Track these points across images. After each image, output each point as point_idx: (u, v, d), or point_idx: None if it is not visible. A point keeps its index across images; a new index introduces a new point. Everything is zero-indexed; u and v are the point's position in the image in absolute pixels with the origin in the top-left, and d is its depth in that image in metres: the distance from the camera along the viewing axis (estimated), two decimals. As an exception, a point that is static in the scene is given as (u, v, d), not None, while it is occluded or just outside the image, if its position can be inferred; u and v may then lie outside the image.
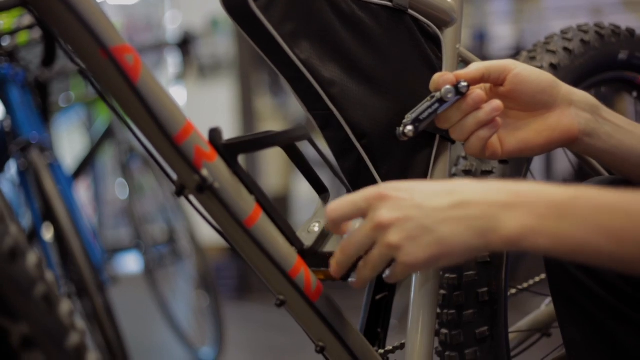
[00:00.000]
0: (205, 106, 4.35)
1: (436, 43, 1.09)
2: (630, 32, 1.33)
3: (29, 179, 2.00)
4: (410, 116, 0.96)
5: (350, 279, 0.86)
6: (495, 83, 0.96)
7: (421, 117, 0.96)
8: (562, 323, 1.08)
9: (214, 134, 0.84)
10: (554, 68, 1.22)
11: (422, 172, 1.07)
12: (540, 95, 0.93)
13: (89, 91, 3.36)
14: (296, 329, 0.94)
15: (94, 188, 5.28)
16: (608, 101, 1.41)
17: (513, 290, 1.26)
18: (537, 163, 3.84)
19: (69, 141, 4.61)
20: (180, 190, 0.83)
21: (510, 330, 1.18)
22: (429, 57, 1.08)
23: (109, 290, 1.99)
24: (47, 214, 1.96)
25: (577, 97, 0.94)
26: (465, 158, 1.17)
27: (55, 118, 3.03)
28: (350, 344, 0.93)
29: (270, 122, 4.48)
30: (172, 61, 4.58)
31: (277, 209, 0.88)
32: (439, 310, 1.11)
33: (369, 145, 1.03)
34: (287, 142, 0.91)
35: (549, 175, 3.87)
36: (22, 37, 2.14)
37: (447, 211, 0.75)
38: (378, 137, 1.03)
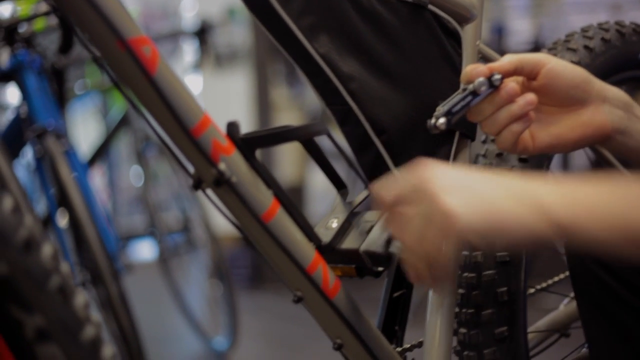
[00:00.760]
0: (221, 96, 4.34)
1: (456, 39, 1.08)
2: (652, 30, 1.31)
3: (44, 166, 1.99)
4: (441, 109, 0.92)
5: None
6: (529, 77, 0.93)
7: (453, 110, 0.91)
8: (585, 323, 1.07)
9: (232, 127, 0.83)
10: (574, 66, 1.21)
11: None
12: (574, 91, 0.90)
13: (105, 79, 3.35)
14: (310, 319, 0.93)
15: (109, 175, 5.30)
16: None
17: (531, 290, 1.24)
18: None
19: (84, 128, 4.61)
20: (197, 184, 0.82)
21: (528, 330, 1.16)
22: (449, 53, 1.07)
23: (123, 278, 1.99)
24: (63, 200, 1.96)
25: (611, 94, 0.92)
26: (484, 156, 1.16)
27: (71, 105, 3.03)
28: (368, 341, 0.92)
29: (286, 113, 4.46)
30: (188, 50, 4.57)
31: (295, 204, 0.87)
32: (457, 310, 1.10)
33: (388, 141, 1.02)
34: (306, 136, 0.90)
35: (566, 170, 3.84)
36: (39, 24, 2.14)
37: (483, 185, 0.76)
38: (397, 133, 1.02)
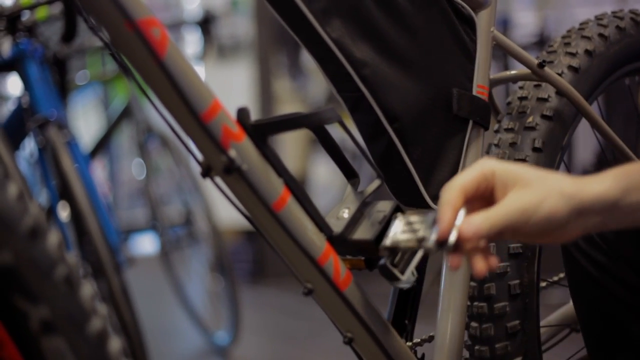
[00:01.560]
0: (224, 87, 4.32)
1: (470, 25, 1.06)
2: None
3: (46, 157, 1.97)
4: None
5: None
6: None
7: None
8: (583, 324, 1.08)
9: (242, 113, 0.81)
10: (589, 54, 1.19)
11: (454, 158, 1.04)
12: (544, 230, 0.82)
13: (106, 69, 3.33)
14: (312, 314, 0.91)
15: (110, 168, 5.28)
16: (634, 92, 1.38)
17: (543, 284, 1.22)
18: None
19: (85, 120, 4.60)
20: (207, 172, 0.80)
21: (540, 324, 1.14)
22: (463, 39, 1.05)
23: (125, 271, 1.97)
24: (64, 192, 1.94)
25: (588, 204, 0.80)
26: (497, 146, 1.14)
27: (72, 96, 3.01)
28: (380, 335, 0.90)
29: (289, 105, 4.44)
30: (191, 41, 4.55)
31: (306, 193, 0.85)
32: (468, 303, 1.08)
33: (400, 129, 1.00)
34: (317, 123, 0.88)
35: (570, 164, 3.83)
36: (42, 13, 2.11)
37: None
38: (410, 120, 1.00)
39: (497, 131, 1.15)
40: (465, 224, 0.76)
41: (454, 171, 1.04)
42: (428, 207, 1.03)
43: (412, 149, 1.01)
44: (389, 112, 0.99)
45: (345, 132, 0.90)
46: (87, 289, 0.61)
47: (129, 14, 0.72)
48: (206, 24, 3.09)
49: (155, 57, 0.73)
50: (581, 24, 1.25)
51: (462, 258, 0.78)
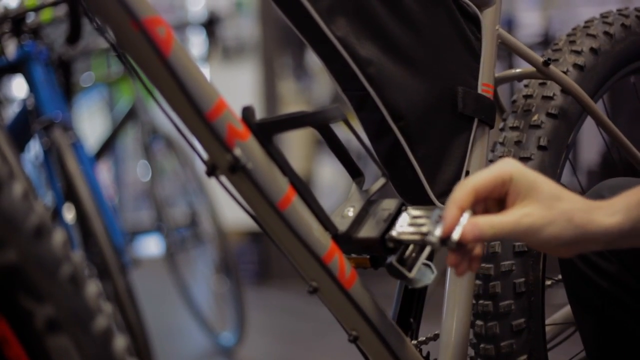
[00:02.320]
0: (228, 88, 4.31)
1: (475, 23, 1.06)
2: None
3: (51, 159, 1.98)
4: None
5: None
6: None
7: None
8: (580, 326, 1.08)
9: (247, 112, 0.81)
10: (594, 52, 1.19)
11: (459, 156, 1.04)
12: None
13: (111, 71, 3.34)
14: (318, 315, 0.91)
15: (115, 169, 5.29)
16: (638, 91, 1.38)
17: (549, 282, 1.22)
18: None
19: (90, 122, 4.60)
20: (212, 170, 0.79)
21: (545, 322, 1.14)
22: (468, 37, 1.05)
23: (130, 272, 1.97)
24: (70, 194, 1.94)
25: (594, 240, 0.80)
26: (502, 144, 1.14)
27: (77, 98, 3.02)
28: (385, 334, 0.90)
29: (294, 106, 4.44)
30: (195, 42, 4.55)
31: (311, 192, 0.85)
32: (474, 301, 1.08)
33: (405, 128, 1.00)
34: (322, 122, 0.88)
35: (576, 162, 3.83)
36: (46, 15, 2.12)
37: None
38: (415, 119, 1.00)
39: (502, 129, 1.15)
40: (469, 225, 0.77)
41: (459, 169, 1.04)
42: (433, 205, 1.02)
43: (418, 147, 1.01)
44: (394, 111, 0.99)
45: (350, 131, 0.90)
46: (92, 287, 0.61)
47: (134, 13, 0.71)
48: (211, 25, 3.09)
49: (161, 56, 0.73)
50: (586, 22, 1.25)
51: (462, 257, 0.79)
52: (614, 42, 1.21)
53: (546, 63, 1.11)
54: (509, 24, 4.00)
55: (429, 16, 1.01)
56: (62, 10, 2.09)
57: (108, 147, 3.27)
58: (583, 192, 1.24)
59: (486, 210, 0.81)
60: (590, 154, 3.66)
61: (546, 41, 3.87)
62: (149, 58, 0.73)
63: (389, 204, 0.89)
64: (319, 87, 4.64)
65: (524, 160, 1.10)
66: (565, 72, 1.14)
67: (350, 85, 1.00)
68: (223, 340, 3.10)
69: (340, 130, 0.92)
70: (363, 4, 0.97)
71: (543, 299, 1.10)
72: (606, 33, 1.21)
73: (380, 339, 0.90)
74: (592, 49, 1.19)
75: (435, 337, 1.06)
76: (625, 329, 1.01)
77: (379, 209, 0.89)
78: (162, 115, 0.83)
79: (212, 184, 0.83)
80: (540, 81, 1.16)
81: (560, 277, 1.28)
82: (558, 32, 3.98)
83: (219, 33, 3.23)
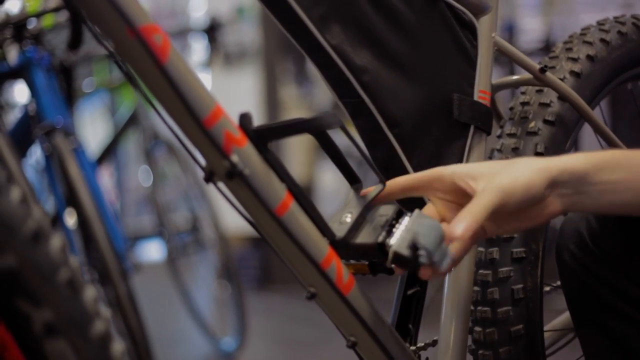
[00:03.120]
0: (230, 94, 4.33)
1: (471, 31, 1.07)
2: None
3: (53, 164, 1.98)
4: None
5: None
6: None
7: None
8: (580, 336, 1.08)
9: (245, 119, 0.81)
10: (590, 60, 1.19)
11: (455, 163, 1.04)
12: (530, 205, 0.85)
13: (113, 77, 3.35)
14: (319, 321, 0.91)
15: (116, 175, 5.29)
16: (637, 97, 1.38)
17: (547, 288, 1.22)
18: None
19: (92, 127, 4.61)
20: (209, 177, 0.80)
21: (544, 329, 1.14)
22: (464, 45, 1.05)
23: (131, 277, 1.98)
24: (71, 199, 1.94)
25: (563, 178, 0.85)
26: (500, 151, 1.14)
27: (79, 103, 3.03)
28: (383, 339, 0.90)
29: (295, 112, 4.45)
30: (197, 48, 4.56)
31: (309, 198, 0.85)
32: (472, 308, 1.08)
33: (401, 135, 1.00)
34: (319, 129, 0.88)
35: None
36: (48, 20, 2.12)
37: None
38: (410, 126, 1.01)
39: (499, 136, 1.15)
40: (452, 226, 0.80)
41: None
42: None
43: (413, 154, 1.01)
44: (389, 118, 0.99)
45: (347, 137, 0.91)
46: (90, 292, 0.61)
47: (130, 20, 0.72)
48: (212, 31, 3.10)
49: (157, 63, 0.74)
50: (583, 29, 1.26)
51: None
52: (611, 49, 1.21)
53: (543, 70, 1.12)
54: (510, 30, 4.01)
55: (424, 24, 1.01)
56: (63, 16, 2.09)
57: (110, 152, 3.27)
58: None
59: None
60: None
61: (547, 47, 3.88)
62: (146, 65, 0.74)
63: (386, 210, 0.90)
64: (320, 92, 4.65)
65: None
66: (562, 80, 1.14)
67: (346, 92, 1.00)
68: (224, 345, 3.10)
69: (341, 136, 0.92)
70: (357, 12, 0.97)
71: (541, 305, 1.10)
72: (603, 40, 1.21)
73: (379, 345, 0.90)
74: (588, 56, 1.19)
75: (434, 343, 1.06)
76: (625, 338, 1.01)
77: (377, 215, 0.89)
78: (160, 121, 0.83)
79: (213, 189, 0.83)
80: (537, 88, 1.16)
81: (558, 283, 1.29)
82: (559, 38, 3.98)
83: (220, 39, 3.24)
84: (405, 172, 1.02)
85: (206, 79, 4.74)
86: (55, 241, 0.60)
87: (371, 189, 0.92)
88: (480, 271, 1.08)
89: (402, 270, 0.85)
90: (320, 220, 0.86)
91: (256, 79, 4.44)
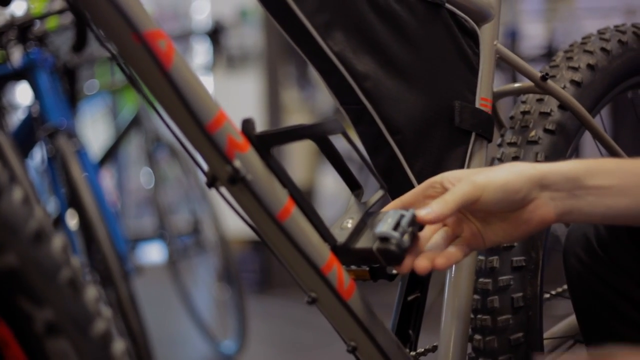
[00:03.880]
0: (232, 97, 4.34)
1: (473, 39, 1.07)
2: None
3: (55, 166, 1.99)
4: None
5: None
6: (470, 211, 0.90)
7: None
8: (587, 338, 1.08)
9: (247, 124, 0.82)
10: (591, 69, 1.19)
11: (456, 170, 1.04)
12: (512, 205, 0.86)
13: (115, 79, 3.35)
14: (319, 324, 0.92)
15: (118, 176, 5.30)
16: (637, 105, 1.38)
17: (547, 296, 1.23)
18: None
19: (93, 129, 4.62)
20: (212, 182, 0.80)
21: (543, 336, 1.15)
22: (466, 52, 1.06)
23: (133, 280, 1.98)
24: (73, 200, 1.95)
25: (552, 179, 0.86)
26: (500, 160, 1.14)
27: (81, 105, 3.04)
28: (383, 344, 0.90)
29: (297, 115, 4.45)
30: (199, 51, 4.57)
31: (310, 204, 0.86)
32: (472, 315, 1.08)
33: (402, 141, 1.01)
34: (320, 134, 0.89)
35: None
36: (52, 22, 2.13)
37: None
38: (412, 133, 1.01)
39: (500, 145, 1.16)
40: (423, 211, 0.82)
41: None
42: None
43: (414, 160, 1.01)
44: (390, 125, 0.99)
45: (349, 144, 0.91)
46: (92, 291, 0.62)
47: (135, 26, 0.73)
48: (215, 34, 3.11)
49: (161, 69, 0.74)
50: (583, 38, 1.26)
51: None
52: (611, 59, 1.21)
53: (544, 78, 1.12)
54: (513, 36, 4.01)
55: (426, 31, 1.01)
56: (67, 18, 2.10)
57: (111, 154, 3.28)
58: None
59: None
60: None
61: (550, 53, 3.89)
62: (150, 70, 0.74)
63: (386, 215, 0.90)
64: (322, 96, 4.65)
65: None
66: (562, 89, 1.15)
67: (348, 99, 1.00)
68: (224, 348, 3.10)
69: (342, 142, 0.93)
70: (360, 19, 0.97)
71: (541, 313, 1.10)
72: (603, 49, 1.22)
73: (379, 350, 0.91)
74: (589, 65, 1.20)
75: (434, 348, 1.06)
76: (633, 344, 1.00)
77: (377, 220, 0.90)
78: (163, 125, 0.84)
79: (215, 193, 0.84)
80: (538, 97, 1.17)
81: (558, 290, 1.29)
82: (561, 44, 3.99)
83: (223, 42, 3.25)
84: (407, 178, 1.02)
85: (208, 82, 4.75)
86: (57, 241, 0.61)
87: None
88: (481, 279, 1.08)
89: (401, 270, 0.84)
90: (321, 225, 0.86)
91: (258, 82, 4.45)
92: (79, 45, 1.98)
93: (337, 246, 0.87)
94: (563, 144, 1.13)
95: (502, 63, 1.13)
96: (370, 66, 0.98)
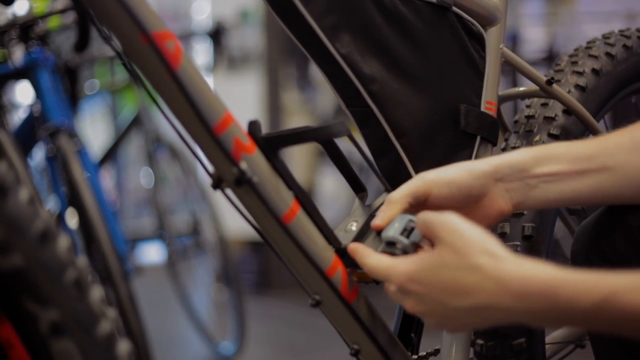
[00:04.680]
0: (233, 98, 4.33)
1: (480, 42, 1.07)
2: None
3: (56, 165, 1.99)
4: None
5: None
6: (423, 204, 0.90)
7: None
8: (594, 342, 1.06)
9: (254, 126, 0.82)
10: (596, 73, 1.19)
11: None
12: (466, 200, 0.87)
13: (115, 79, 3.35)
14: (318, 326, 0.92)
15: (117, 176, 5.29)
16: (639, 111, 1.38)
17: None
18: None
19: (93, 128, 4.61)
20: (218, 183, 0.80)
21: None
22: (472, 56, 1.06)
23: (132, 279, 1.98)
24: (73, 200, 1.95)
25: (503, 171, 0.87)
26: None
27: (81, 105, 3.04)
28: (386, 348, 0.91)
29: (297, 117, 4.45)
30: (200, 51, 4.57)
31: (315, 206, 0.86)
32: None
33: (407, 144, 1.01)
34: (327, 137, 0.89)
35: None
36: (54, 22, 2.13)
37: (465, 316, 0.76)
38: (417, 136, 1.01)
39: (504, 149, 1.16)
40: (376, 219, 0.85)
41: None
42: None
43: (419, 164, 1.01)
44: (396, 127, 0.99)
45: (354, 146, 0.91)
46: (96, 292, 0.62)
47: (144, 26, 0.72)
48: (216, 35, 3.11)
49: (169, 70, 0.74)
50: (588, 42, 1.26)
51: None
52: (616, 63, 1.21)
53: (549, 82, 1.12)
54: (514, 40, 4.01)
55: (433, 34, 1.01)
56: (69, 17, 2.10)
57: (112, 154, 3.28)
58: (584, 212, 1.25)
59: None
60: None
61: (550, 57, 3.89)
62: (157, 71, 0.74)
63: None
64: (323, 98, 4.66)
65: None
66: (567, 93, 1.15)
67: (354, 101, 1.00)
68: (223, 349, 3.10)
69: (343, 143, 0.93)
70: (367, 22, 0.97)
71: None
72: (608, 54, 1.22)
73: (382, 353, 0.91)
74: (594, 70, 1.20)
75: (436, 352, 1.06)
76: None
77: (382, 224, 0.89)
78: (167, 125, 0.84)
79: (215, 193, 0.83)
80: (543, 102, 1.17)
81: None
82: (562, 48, 3.99)
83: (224, 43, 3.24)
84: None
85: (209, 82, 4.75)
86: (62, 242, 0.61)
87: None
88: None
89: None
90: (326, 228, 0.86)
91: (259, 83, 4.45)
92: (82, 44, 1.98)
93: (341, 249, 0.87)
94: (567, 149, 1.13)
95: (504, 67, 1.13)
96: (377, 69, 0.98)
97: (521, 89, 1.19)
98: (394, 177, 1.03)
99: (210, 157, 0.79)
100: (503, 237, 1.08)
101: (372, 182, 2.91)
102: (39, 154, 2.19)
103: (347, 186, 0.96)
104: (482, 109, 1.05)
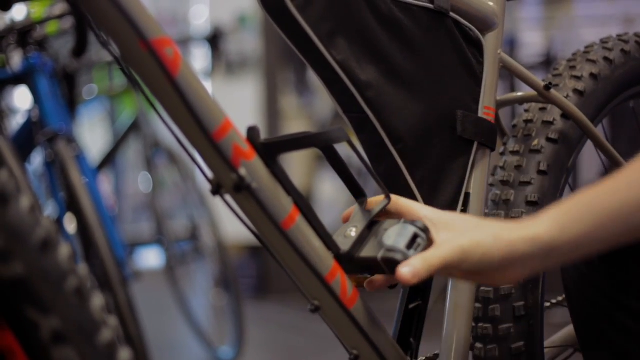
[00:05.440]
0: (231, 103, 4.33)
1: (477, 48, 1.07)
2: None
3: (54, 170, 1.99)
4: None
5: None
6: None
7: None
8: (584, 349, 1.08)
9: (253, 132, 0.82)
10: (594, 78, 1.20)
11: (458, 180, 1.04)
12: (485, 269, 0.85)
13: (113, 84, 3.35)
14: (316, 331, 0.92)
15: (116, 181, 5.29)
16: (639, 115, 1.39)
17: (548, 304, 1.23)
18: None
19: (91, 133, 4.61)
20: (217, 189, 0.80)
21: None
22: (470, 61, 1.06)
23: (131, 285, 1.98)
24: (72, 205, 1.95)
25: (526, 252, 0.83)
26: (503, 168, 1.14)
27: (79, 110, 3.04)
28: (385, 353, 0.91)
29: (295, 121, 4.46)
30: (198, 56, 4.57)
31: (314, 212, 0.86)
32: (473, 324, 1.08)
33: (404, 150, 1.01)
34: (326, 143, 0.89)
35: (575, 186, 3.83)
36: (52, 27, 2.13)
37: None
38: (414, 142, 1.01)
39: (502, 154, 1.16)
40: (404, 266, 0.81)
41: (457, 192, 1.04)
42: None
43: (416, 170, 1.01)
44: (392, 134, 0.99)
45: (353, 152, 0.91)
46: (97, 300, 0.62)
47: (143, 33, 0.73)
48: (214, 40, 3.11)
49: (168, 76, 0.74)
50: (586, 47, 1.26)
51: None
52: (614, 68, 1.21)
53: (547, 87, 1.12)
54: (511, 44, 4.02)
55: (430, 40, 1.01)
56: (67, 23, 2.10)
57: (110, 159, 3.28)
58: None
59: None
60: (590, 174, 3.67)
61: (548, 61, 3.89)
62: (156, 77, 0.74)
63: (391, 224, 0.90)
64: (321, 103, 4.66)
65: (524, 184, 1.11)
66: (565, 97, 1.15)
67: (350, 107, 1.00)
68: (221, 354, 3.10)
69: (341, 148, 0.93)
70: (364, 28, 0.97)
71: (542, 322, 1.10)
72: (606, 59, 1.22)
73: (381, 359, 0.91)
74: (592, 75, 1.20)
75: (435, 357, 1.06)
76: (631, 354, 1.01)
77: (381, 229, 0.90)
78: (165, 131, 0.84)
79: (214, 198, 0.84)
80: (541, 106, 1.17)
81: (559, 299, 1.29)
82: (560, 52, 3.99)
83: (222, 48, 3.25)
84: (408, 187, 1.02)
85: (207, 87, 4.75)
86: (63, 250, 0.61)
87: (375, 199, 0.93)
88: (482, 288, 1.08)
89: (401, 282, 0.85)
90: (325, 233, 0.86)
91: (257, 88, 4.45)
92: (80, 50, 1.98)
93: (341, 255, 0.87)
94: (565, 153, 1.13)
95: (501, 71, 1.13)
96: (373, 75, 0.98)
97: (519, 94, 1.19)
98: (391, 182, 1.03)
99: (209, 163, 0.80)
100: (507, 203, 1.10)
101: (370, 186, 2.92)
102: (37, 159, 2.19)
103: (346, 191, 0.96)
104: (480, 114, 1.06)
